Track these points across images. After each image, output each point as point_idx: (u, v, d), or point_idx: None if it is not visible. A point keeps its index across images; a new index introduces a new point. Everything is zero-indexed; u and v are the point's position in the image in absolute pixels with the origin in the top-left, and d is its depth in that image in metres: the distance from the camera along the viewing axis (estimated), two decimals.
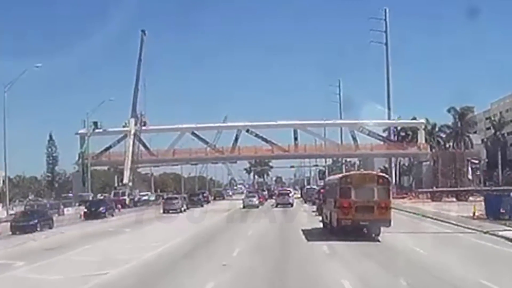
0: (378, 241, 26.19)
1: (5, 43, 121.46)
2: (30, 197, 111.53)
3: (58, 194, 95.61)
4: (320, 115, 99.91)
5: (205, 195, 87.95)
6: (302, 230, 31.85)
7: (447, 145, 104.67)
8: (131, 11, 79.92)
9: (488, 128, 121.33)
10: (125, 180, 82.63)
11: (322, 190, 60.76)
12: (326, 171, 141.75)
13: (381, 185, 26.21)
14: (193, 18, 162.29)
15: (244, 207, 63.96)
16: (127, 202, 77.21)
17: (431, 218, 40.30)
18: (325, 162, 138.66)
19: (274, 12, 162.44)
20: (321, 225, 33.66)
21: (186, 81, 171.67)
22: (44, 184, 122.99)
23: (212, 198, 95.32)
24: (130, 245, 26.68)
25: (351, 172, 29.39)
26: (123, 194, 78.57)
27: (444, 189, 73.28)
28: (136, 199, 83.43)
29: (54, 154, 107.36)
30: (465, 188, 72.78)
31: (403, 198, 77.49)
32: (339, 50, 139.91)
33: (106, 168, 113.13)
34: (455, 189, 72.24)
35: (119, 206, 72.95)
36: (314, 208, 56.87)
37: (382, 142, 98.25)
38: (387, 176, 27.43)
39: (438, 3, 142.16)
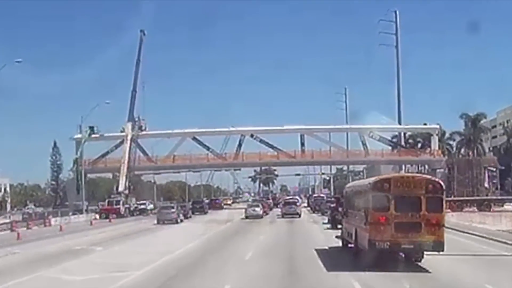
0: (427, 271, 17.95)
1: (27, 55, 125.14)
2: (29, 206, 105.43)
3: (62, 203, 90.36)
4: (327, 123, 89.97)
5: (217, 201, 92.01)
6: (317, 251, 23.68)
7: (459, 152, 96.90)
8: (145, 26, 75.71)
9: (495, 137, 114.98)
10: (121, 188, 74.74)
11: (335, 199, 53.09)
12: (331, 180, 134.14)
13: (432, 194, 17.97)
14: (205, 33, 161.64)
15: (246, 217, 55.61)
16: (121, 211, 69.14)
17: (465, 232, 32.55)
18: (330, 170, 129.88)
19: (282, 27, 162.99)
20: (338, 242, 25.93)
21: (199, 93, 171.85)
22: (48, 192, 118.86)
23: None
24: (81, 277, 18.37)
25: (390, 175, 20.48)
26: (118, 203, 70.37)
27: (467, 198, 64.65)
28: (132, 208, 75.22)
29: (58, 162, 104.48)
30: (490, 197, 64.53)
31: None
32: (345, 63, 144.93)
33: (111, 175, 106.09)
34: (478, 198, 63.62)
35: (114, 215, 65.87)
36: (325, 219, 49.18)
37: (390, 149, 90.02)
38: (439, 181, 18.98)
39: (441, 19, 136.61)
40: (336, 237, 29.56)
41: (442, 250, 18.11)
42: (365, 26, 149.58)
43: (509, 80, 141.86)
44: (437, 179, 19.20)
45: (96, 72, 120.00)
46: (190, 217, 61.86)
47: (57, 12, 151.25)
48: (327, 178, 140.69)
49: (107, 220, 61.19)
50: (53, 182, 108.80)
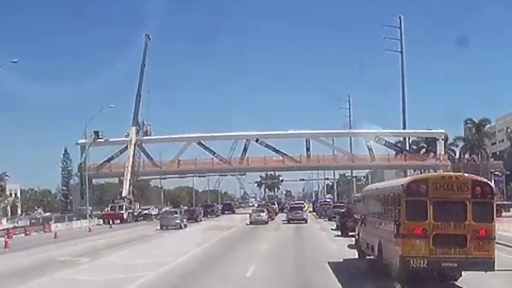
0: None
1: (39, 68, 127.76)
2: (37, 211, 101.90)
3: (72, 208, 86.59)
4: (328, 129, 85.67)
5: (230, 205, 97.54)
6: (330, 266, 19.38)
7: (463, 157, 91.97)
8: (151, 40, 74.82)
9: (494, 143, 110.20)
10: (124, 193, 70.33)
11: (344, 204, 48.85)
12: (335, 185, 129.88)
13: (480, 198, 13.63)
14: (208, 47, 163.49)
15: (251, 223, 51.23)
16: (124, 216, 64.86)
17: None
18: (334, 175, 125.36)
19: (281, 41, 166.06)
20: (352, 252, 21.89)
21: (202, 104, 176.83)
22: (58, 197, 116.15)
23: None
24: None
25: (428, 174, 16.26)
26: (121, 208, 66.11)
27: None
28: (136, 213, 70.93)
29: (68, 168, 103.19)
30: (501, 202, 59.85)
31: None
32: (341, 75, 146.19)
33: (118, 180, 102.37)
34: None
35: (118, 221, 61.86)
36: (332, 224, 44.91)
37: (394, 154, 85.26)
38: (488, 182, 14.58)
39: (431, 33, 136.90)
40: (349, 246, 25.47)
41: (493, 269, 13.78)
42: (360, 40, 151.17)
43: (498, 91, 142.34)
44: (485, 180, 14.77)
45: (104, 84, 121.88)
46: (201, 220, 61.36)
47: (67, 27, 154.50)
48: (330, 183, 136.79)
49: (108, 225, 57.51)
50: (64, 188, 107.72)
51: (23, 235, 46.30)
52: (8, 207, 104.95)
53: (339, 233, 35.41)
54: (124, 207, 66.40)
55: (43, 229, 51.26)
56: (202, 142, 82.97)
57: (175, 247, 28.50)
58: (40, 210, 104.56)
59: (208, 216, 68.19)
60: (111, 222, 58.80)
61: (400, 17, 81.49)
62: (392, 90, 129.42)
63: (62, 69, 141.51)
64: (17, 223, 60.32)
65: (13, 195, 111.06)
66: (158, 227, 47.24)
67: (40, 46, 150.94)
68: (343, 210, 40.67)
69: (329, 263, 20.15)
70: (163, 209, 73.46)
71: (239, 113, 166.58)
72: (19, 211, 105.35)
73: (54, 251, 28.77)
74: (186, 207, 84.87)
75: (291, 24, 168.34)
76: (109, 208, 68.29)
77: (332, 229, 41.46)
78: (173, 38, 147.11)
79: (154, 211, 78.34)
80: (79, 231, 50.31)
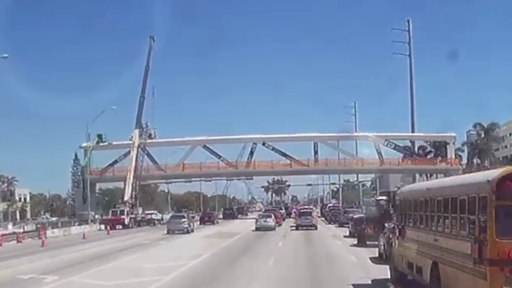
0: None
1: (50, 81, 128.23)
2: (43, 216, 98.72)
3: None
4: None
5: (244, 208, 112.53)
6: None
7: (472, 162, 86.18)
8: (156, 53, 73.39)
9: (497, 149, 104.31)
10: (126, 197, 65.16)
11: (353, 209, 43.19)
12: (340, 190, 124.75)
13: None
14: (211, 59, 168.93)
15: (257, 229, 45.81)
16: (126, 221, 59.68)
17: None
18: (339, 180, 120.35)
19: (280, 55, 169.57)
20: (379, 269, 17.12)
21: (204, 113, 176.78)
22: (68, 202, 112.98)
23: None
24: None
25: None
26: (122, 213, 60.94)
27: None
28: (139, 218, 65.68)
29: (78, 173, 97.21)
30: None
31: None
32: (338, 86, 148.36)
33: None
34: None
35: (120, 226, 57.76)
36: (345, 231, 39.74)
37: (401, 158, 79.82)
38: None
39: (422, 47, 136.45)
40: (372, 260, 20.37)
41: None
42: (356, 54, 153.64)
43: (485, 102, 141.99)
44: None
45: (112, 95, 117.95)
46: (217, 223, 65.86)
47: (77, 41, 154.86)
48: (335, 189, 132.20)
49: (110, 231, 52.88)
50: (73, 192, 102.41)
51: (15, 242, 41.26)
52: (18, 212, 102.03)
53: (355, 242, 30.08)
54: (125, 212, 61.08)
55: (38, 235, 46.02)
56: (208, 145, 77.84)
57: (164, 261, 23.07)
58: (46, 215, 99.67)
59: (227, 218, 73.35)
60: (108, 228, 53.58)
61: (408, 20, 75.88)
62: (388, 99, 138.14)
63: (72, 81, 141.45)
64: (23, 228, 55.65)
65: (23, 199, 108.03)
66: (161, 233, 44.13)
67: (52, 59, 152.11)
68: (358, 216, 35.19)
69: (353, 285, 14.79)
70: (170, 214, 70.47)
71: (242, 120, 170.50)
72: (28, 216, 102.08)
73: (24, 265, 23.47)
74: (190, 212, 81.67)
75: (289, 39, 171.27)
76: (110, 213, 62.89)
77: (345, 236, 36.51)
78: (177, 51, 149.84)
79: (158, 216, 73.13)
80: (74, 238, 44.97)
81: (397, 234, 14.58)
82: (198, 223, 61.18)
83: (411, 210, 13.33)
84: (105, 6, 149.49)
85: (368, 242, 26.93)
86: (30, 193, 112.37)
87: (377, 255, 21.30)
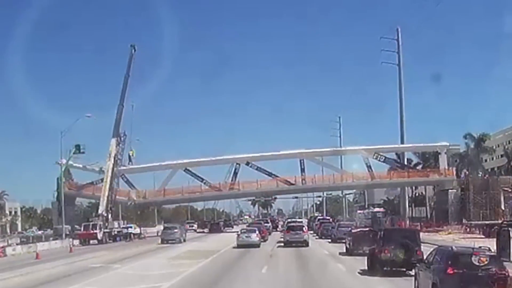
0: None
1: (64, 101, 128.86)
2: (29, 229, 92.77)
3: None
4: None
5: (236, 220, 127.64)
6: None
7: (462, 173, 78.15)
8: (162, 75, 75.09)
9: (485, 161, 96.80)
10: (100, 210, 57.40)
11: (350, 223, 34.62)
12: (324, 203, 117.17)
13: None
14: (214, 82, 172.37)
15: (238, 246, 37.73)
16: (99, 236, 52.38)
17: None
18: (323, 193, 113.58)
19: (278, 78, 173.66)
20: None
21: (208, 129, 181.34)
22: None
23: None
24: None
25: None
26: (94, 227, 53.10)
27: (493, 222, 45.98)
28: (115, 232, 56.96)
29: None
30: None
31: (437, 231, 53.25)
32: (331, 106, 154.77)
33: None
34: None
35: (95, 241, 51.56)
36: (340, 247, 32.65)
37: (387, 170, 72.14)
38: None
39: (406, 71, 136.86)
40: None
41: None
42: (346, 75, 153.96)
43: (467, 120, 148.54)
44: None
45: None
46: (222, 231, 71.67)
47: (89, 65, 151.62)
48: (318, 202, 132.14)
49: (84, 245, 49.03)
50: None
51: None
52: (8, 226, 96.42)
53: (362, 266, 21.57)
54: (98, 226, 52.86)
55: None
56: (189, 168, 69.13)
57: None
58: (33, 229, 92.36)
59: (213, 232, 72.48)
60: (71, 245, 45.62)
61: (397, 29, 68.45)
62: (377, 116, 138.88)
63: (85, 102, 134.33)
64: (7, 241, 49.27)
65: (13, 213, 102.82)
66: (132, 250, 40.17)
67: (69, 84, 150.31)
68: (358, 230, 26.48)
69: None
70: (157, 227, 72.44)
71: (236, 140, 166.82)
72: (19, 229, 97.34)
73: None
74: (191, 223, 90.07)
75: (287, 64, 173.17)
76: (82, 227, 55.04)
77: (340, 254, 29.86)
78: (184, 73, 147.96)
79: (135, 230, 64.93)
80: (27, 257, 35.47)
81: None
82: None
83: None
84: (118, 34, 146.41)
85: (385, 268, 18.47)
86: (24, 206, 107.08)
87: None
